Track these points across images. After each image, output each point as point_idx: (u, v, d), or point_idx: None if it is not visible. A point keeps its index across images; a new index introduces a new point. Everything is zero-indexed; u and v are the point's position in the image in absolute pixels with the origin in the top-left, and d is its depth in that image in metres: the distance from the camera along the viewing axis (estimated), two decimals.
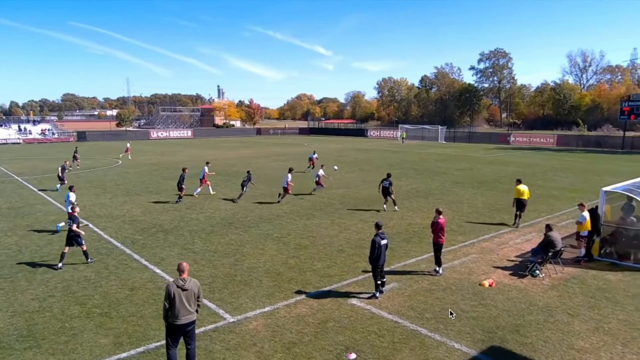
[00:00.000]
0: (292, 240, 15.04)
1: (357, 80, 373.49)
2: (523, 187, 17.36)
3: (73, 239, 12.45)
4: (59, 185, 24.28)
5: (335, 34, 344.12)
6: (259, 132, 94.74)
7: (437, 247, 11.89)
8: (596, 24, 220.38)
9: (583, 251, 13.30)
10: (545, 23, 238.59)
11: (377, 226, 10.48)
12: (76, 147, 39.65)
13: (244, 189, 21.76)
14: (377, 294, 10.42)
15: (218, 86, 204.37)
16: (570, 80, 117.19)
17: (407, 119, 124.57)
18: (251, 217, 18.32)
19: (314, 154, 35.22)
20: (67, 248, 12.50)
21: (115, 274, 11.97)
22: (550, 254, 11.98)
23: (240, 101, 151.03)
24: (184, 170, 21.81)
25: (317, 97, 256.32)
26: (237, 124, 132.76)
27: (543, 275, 11.83)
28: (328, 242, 14.75)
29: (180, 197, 21.21)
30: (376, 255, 10.19)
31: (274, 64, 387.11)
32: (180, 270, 7.39)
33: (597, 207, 13.68)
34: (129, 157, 42.57)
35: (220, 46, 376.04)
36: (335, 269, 12.25)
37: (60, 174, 24.46)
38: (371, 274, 10.62)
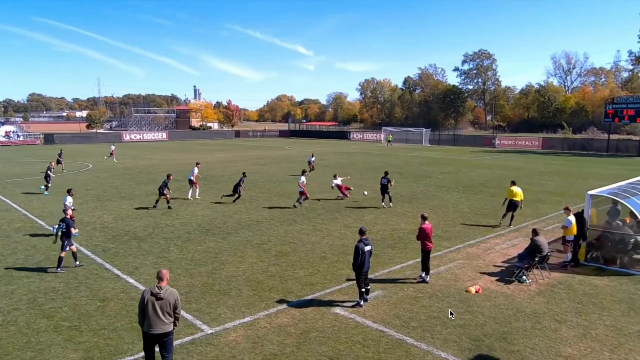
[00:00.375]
0: (273, 247, 14.97)
1: (339, 81, 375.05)
2: (517, 189, 17.93)
3: (63, 241, 12.70)
4: (43, 187, 25.15)
5: (317, 34, 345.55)
6: (237, 134, 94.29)
7: (425, 254, 11.96)
8: (580, 26, 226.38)
9: (569, 256, 13.54)
10: (529, 24, 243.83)
11: (361, 232, 10.49)
12: (61, 150, 38.92)
13: (239, 190, 22.06)
14: (362, 302, 10.42)
15: (194, 87, 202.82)
16: (555, 82, 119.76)
17: (391, 121, 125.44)
18: (230, 223, 18.18)
19: (313, 156, 35.68)
20: (63, 253, 12.71)
21: (85, 284, 11.72)
22: (536, 259, 12.16)
23: (217, 102, 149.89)
24: (168, 176, 21.60)
25: (298, 98, 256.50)
26: (215, 126, 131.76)
27: (530, 280, 12.00)
28: (310, 249, 14.72)
29: (167, 201, 21.15)
30: (360, 262, 10.20)
31: (253, 64, 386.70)
32: (158, 278, 7.28)
33: (583, 211, 13.95)
34: (115, 160, 42.34)
35: (197, 45, 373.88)
36: (318, 277, 12.22)
37: (48, 175, 25.49)
38: (355, 281, 10.62)
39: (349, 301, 10.65)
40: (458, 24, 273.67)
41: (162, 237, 16.11)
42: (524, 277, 12.02)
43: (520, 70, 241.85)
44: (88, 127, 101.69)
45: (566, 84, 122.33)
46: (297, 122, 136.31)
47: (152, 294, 7.09)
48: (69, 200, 16.98)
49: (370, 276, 11.29)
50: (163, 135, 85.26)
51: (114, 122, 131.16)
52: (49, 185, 25.36)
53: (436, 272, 12.58)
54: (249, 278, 12.12)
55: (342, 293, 11.17)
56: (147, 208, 20.91)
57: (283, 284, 11.71)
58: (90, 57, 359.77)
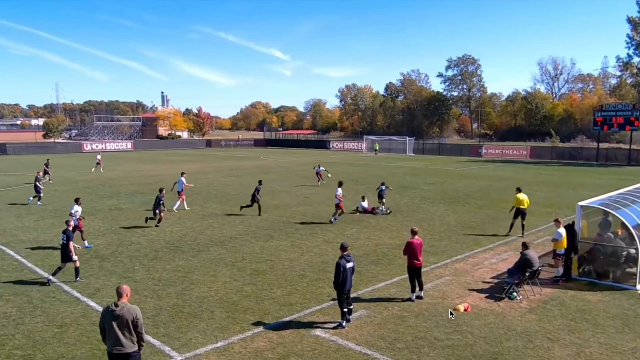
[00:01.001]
0: (248, 265, 14.84)
1: (318, 88, 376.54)
2: (523, 196, 18.73)
3: (62, 254, 13.17)
4: (32, 198, 26.08)
5: (293, 37, 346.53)
6: (209, 143, 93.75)
7: (412, 271, 11.99)
8: (566, 31, 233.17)
9: (561, 270, 13.76)
10: (514, 28, 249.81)
11: (342, 247, 10.49)
12: (47, 160, 38.72)
13: (256, 198, 22.61)
14: (344, 323, 10.38)
15: (162, 93, 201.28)
16: (542, 89, 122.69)
17: (373, 129, 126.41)
18: (201, 239, 17.98)
19: (320, 167, 35.22)
20: (63, 264, 13.14)
21: (41, 308, 11.40)
22: (527, 274, 12.31)
23: (187, 109, 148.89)
24: (160, 191, 20.64)
25: (274, 105, 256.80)
26: (184, 134, 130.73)
27: (520, 297, 12.14)
28: (288, 267, 14.65)
29: (159, 220, 20.02)
30: (342, 280, 10.17)
31: (225, 69, 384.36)
32: (118, 294, 7.22)
33: (573, 223, 14.21)
34: (101, 171, 42.40)
35: (165, 48, 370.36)
36: (297, 297, 12.15)
37: (37, 186, 26.22)
38: (336, 300, 10.58)
39: (331, 322, 10.59)
40: (441, 28, 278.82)
41: (127, 255, 15.82)
42: (515, 293, 12.15)
43: (506, 76, 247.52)
44: (45, 136, 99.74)
45: (553, 90, 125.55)
46: (273, 130, 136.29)
47: (109, 310, 7.08)
48: (75, 208, 17.23)
49: (352, 295, 11.27)
50: (128, 144, 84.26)
51: (73, 131, 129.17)
52: (41, 195, 26.02)
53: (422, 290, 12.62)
54: (222, 299, 11.96)
55: (322, 313, 11.11)
56: (139, 224, 20.53)
57: (259, 305, 11.59)
58: (47, 60, 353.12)
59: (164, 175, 40.12)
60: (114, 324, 7.00)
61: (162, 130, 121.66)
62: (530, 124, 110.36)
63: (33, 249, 16.68)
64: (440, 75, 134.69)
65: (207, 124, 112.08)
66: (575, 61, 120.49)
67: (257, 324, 10.54)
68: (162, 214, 20.14)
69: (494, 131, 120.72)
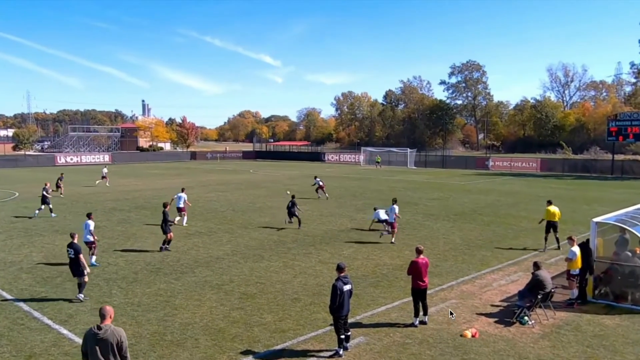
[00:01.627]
0: (236, 288, 14.76)
1: (311, 95, 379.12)
2: (554, 208, 19.52)
3: (72, 268, 13.72)
4: (39, 209, 27.53)
5: (285, 41, 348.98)
6: (193, 156, 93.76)
7: (417, 293, 11.96)
8: (577, 36, 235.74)
9: (575, 292, 13.74)
10: (522, 32, 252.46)
11: (339, 268, 10.44)
12: (61, 174, 39.18)
13: (295, 213, 23.84)
14: (341, 352, 10.30)
15: (143, 101, 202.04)
16: (552, 97, 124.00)
17: (371, 140, 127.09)
18: (184, 260, 17.88)
19: (318, 179, 35.55)
20: (86, 278, 13.75)
21: (7, 337, 11.26)
22: (539, 297, 12.29)
23: (170, 119, 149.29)
24: (165, 206, 20.02)
25: (264, 114, 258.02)
26: (167, 146, 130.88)
27: (532, 322, 12.10)
28: (280, 290, 14.57)
29: (168, 242, 19.46)
30: (338, 304, 10.11)
31: (211, 76, 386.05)
32: (100, 315, 7.28)
33: (588, 240, 14.23)
34: (107, 185, 43.31)
35: (146, 53, 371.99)
36: (290, 322, 12.07)
37: (45, 198, 27.67)
38: (333, 326, 10.50)
39: (327, 350, 10.51)
40: (444, 32, 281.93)
41: (103, 278, 15.69)
42: (526, 317, 12.11)
43: (514, 84, 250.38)
44: (15, 148, 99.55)
45: (564, 98, 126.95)
46: (264, 141, 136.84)
47: (91, 334, 7.07)
48: (92, 225, 17.52)
49: (350, 320, 11.19)
50: (105, 157, 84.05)
51: (46, 143, 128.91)
52: (51, 206, 27.73)
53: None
54: (208, 325, 11.87)
55: (318, 341, 11.03)
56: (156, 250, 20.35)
57: (248, 332, 11.50)
58: (17, 66, 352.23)
59: (144, 190, 40.01)
60: (97, 349, 6.97)
61: (143, 142, 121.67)
62: (540, 134, 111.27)
63: (0, 271, 16.50)
64: (443, 82, 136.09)
65: (191, 134, 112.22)
66: (587, 67, 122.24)
67: (246, 352, 10.44)
68: (170, 233, 19.54)
69: (502, 142, 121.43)
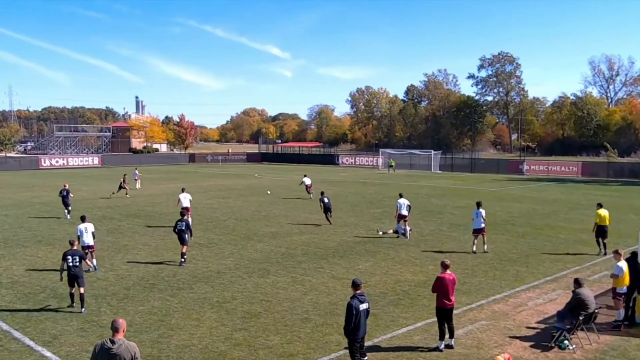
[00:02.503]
0: (239, 306, 14.77)
1: (324, 91, 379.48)
2: (605, 212, 20.56)
3: (77, 277, 14.29)
4: (67, 212, 29.99)
5: (294, 31, 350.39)
6: (192, 158, 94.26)
7: (441, 313, 11.91)
8: (623, 25, 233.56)
9: (622, 313, 13.59)
10: (560, 21, 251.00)
11: (355, 285, 10.39)
12: (124, 175, 41.95)
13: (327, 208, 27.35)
14: None
15: (136, 98, 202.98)
16: (595, 92, 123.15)
17: (390, 141, 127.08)
18: (181, 275, 17.93)
19: (306, 178, 39.69)
20: (73, 288, 14.33)
21: None
22: (581, 318, 12.16)
23: (167, 118, 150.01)
24: (183, 214, 20.57)
25: (271, 112, 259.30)
26: (163, 147, 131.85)
27: (574, 346, 11.98)
28: (288, 308, 14.56)
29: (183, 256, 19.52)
30: (354, 325, 10.06)
31: (212, 69, 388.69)
32: (113, 329, 7.44)
33: (636, 254, 14.08)
34: (138, 187, 45.73)
35: (141, 45, 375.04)
36: (299, 345, 12.06)
37: (65, 200, 30.39)
38: (347, 350, 10.46)
39: None
40: (472, 20, 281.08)
41: (91, 294, 15.75)
42: (566, 341, 11.99)
43: (551, 78, 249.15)
44: None
45: (608, 94, 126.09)
46: (270, 142, 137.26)
47: (104, 349, 7.18)
48: (91, 227, 18.85)
49: (367, 343, 11.14)
50: (94, 159, 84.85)
51: (29, 143, 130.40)
52: (70, 208, 30.18)
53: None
54: (207, 348, 11.89)
55: None
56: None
57: (252, 356, 11.50)
58: None
59: (137, 196, 40.25)
60: None
61: (136, 143, 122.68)
62: (581, 134, 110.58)
63: None
64: (471, 76, 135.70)
65: (190, 134, 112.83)
66: (634, 60, 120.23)
67: None
68: (184, 247, 19.64)
69: (538, 144, 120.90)
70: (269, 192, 41.11)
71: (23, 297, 15.56)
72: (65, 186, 31.33)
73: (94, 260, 18.56)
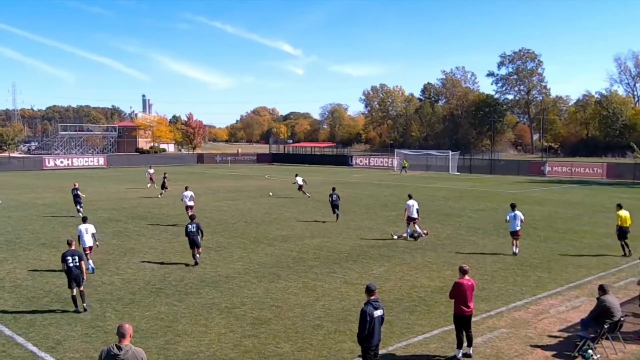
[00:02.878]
0: (249, 311, 14.79)
1: (337, 89, 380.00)
2: (625, 213, 21.12)
3: (79, 277, 14.66)
4: (79, 210, 31.37)
5: (306, 27, 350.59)
6: (200, 159, 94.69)
7: (460, 320, 11.85)
8: None
9: None
10: (584, 16, 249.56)
11: (369, 290, 10.36)
12: (165, 173, 43.55)
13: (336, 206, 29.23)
14: None
15: (143, 96, 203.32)
16: (620, 90, 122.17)
17: (406, 141, 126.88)
18: (189, 279, 17.99)
19: (299, 178, 41.33)
20: (74, 290, 14.69)
21: None
22: (606, 327, 12.07)
23: (174, 117, 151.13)
24: (192, 217, 21.17)
25: (283, 111, 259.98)
26: (170, 147, 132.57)
27: (598, 356, 11.88)
28: (299, 314, 14.56)
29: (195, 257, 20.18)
30: (368, 332, 10.04)
31: (221, 67, 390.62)
32: (119, 334, 7.53)
33: None
34: (155, 187, 46.17)
35: (147, 42, 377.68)
36: (310, 353, 12.05)
37: (77, 198, 31.97)
38: (360, 358, 10.44)
39: None
40: (492, 15, 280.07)
41: (96, 298, 15.85)
42: (590, 350, 11.89)
43: (575, 75, 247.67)
44: None
45: (635, 93, 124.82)
46: (281, 142, 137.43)
47: (110, 355, 7.25)
48: (92, 228, 19.41)
49: (381, 351, 11.11)
50: (100, 160, 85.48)
51: (33, 143, 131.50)
52: (81, 208, 31.50)
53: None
54: (215, 355, 11.91)
55: None
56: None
57: None
58: (1, 55, 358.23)
59: (143, 198, 40.45)
60: None
61: (143, 143, 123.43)
62: (606, 134, 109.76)
63: None
64: (491, 74, 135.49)
65: (198, 134, 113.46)
66: None
67: None
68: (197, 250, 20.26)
69: (560, 144, 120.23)
70: (270, 194, 41.97)
71: (26, 301, 15.66)
72: (75, 185, 32.84)
73: (90, 262, 18.77)
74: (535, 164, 70.20)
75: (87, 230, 19.03)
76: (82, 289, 14.79)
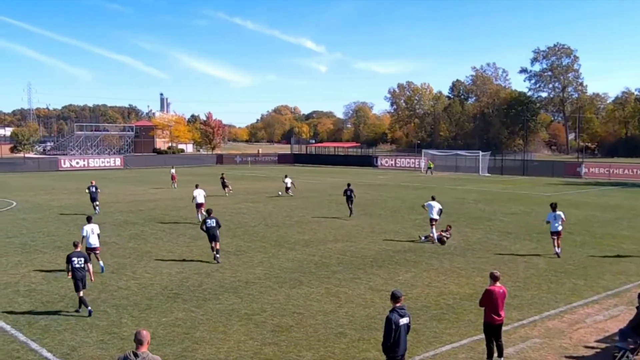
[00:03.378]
0: (269, 318, 14.82)
1: (361, 87, 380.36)
2: None
3: (84, 279, 15.11)
4: (95, 207, 33.64)
5: (330, 23, 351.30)
6: (220, 159, 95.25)
7: (490, 329, 11.77)
8: None
9: None
10: (622, 8, 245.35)
11: (394, 297, 10.32)
12: (222, 174, 46.66)
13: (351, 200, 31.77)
14: None
15: (161, 95, 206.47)
16: None
17: (434, 141, 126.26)
18: (208, 284, 18.08)
19: (288, 179, 43.92)
20: (80, 292, 15.08)
21: None
22: None
23: (193, 116, 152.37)
24: (209, 212, 22.04)
25: (305, 110, 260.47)
26: (189, 148, 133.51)
27: None
28: (322, 322, 14.55)
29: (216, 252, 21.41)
30: (393, 341, 10.00)
31: (242, 64, 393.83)
32: (137, 341, 7.58)
33: None
34: (175, 187, 49.77)
35: (166, 39, 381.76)
36: None
37: (93, 196, 33.86)
38: None
39: None
40: (525, 9, 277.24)
41: (112, 304, 16.01)
42: None
43: (613, 72, 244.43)
44: (12, 149, 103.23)
45: None
46: (304, 143, 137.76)
47: None
48: (97, 229, 19.99)
49: None
50: (116, 160, 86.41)
51: (48, 143, 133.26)
52: (97, 205, 33.79)
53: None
54: None
55: None
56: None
57: None
58: (17, 54, 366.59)
59: (161, 200, 40.82)
60: None
61: (161, 143, 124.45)
62: None
63: None
64: (524, 70, 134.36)
65: (218, 134, 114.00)
66: None
67: None
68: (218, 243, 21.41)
69: (598, 144, 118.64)
70: (280, 193, 43.64)
71: (41, 305, 15.86)
72: (92, 183, 34.87)
73: (100, 262, 19.39)
74: (571, 165, 69.40)
75: (93, 231, 19.58)
76: (81, 294, 15.08)
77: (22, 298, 16.61)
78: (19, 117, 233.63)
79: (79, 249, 15.62)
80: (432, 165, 72.40)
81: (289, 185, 43.46)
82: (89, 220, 20.19)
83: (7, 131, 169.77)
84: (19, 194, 45.05)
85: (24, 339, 13.34)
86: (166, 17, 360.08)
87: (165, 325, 14.25)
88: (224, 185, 43.89)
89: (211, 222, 21.03)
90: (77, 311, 15.08)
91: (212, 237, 20.97)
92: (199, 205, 30.36)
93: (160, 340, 13.19)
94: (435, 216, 24.93)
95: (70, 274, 15.07)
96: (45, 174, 70.66)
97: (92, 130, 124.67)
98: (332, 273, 19.55)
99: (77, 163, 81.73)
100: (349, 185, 33.13)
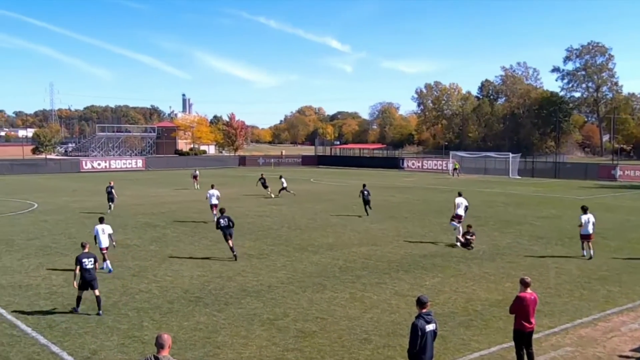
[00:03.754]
0: (292, 323, 14.84)
1: (387, 87, 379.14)
2: None
3: (95, 280, 15.50)
4: (110, 206, 35.19)
5: (355, 22, 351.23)
6: (242, 161, 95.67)
7: (520, 337, 11.66)
8: None
9: None
10: None
11: (421, 303, 10.28)
12: (262, 174, 47.46)
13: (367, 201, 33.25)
14: None
15: (183, 95, 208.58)
16: None
17: (462, 142, 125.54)
18: (229, 288, 18.16)
19: (283, 180, 44.75)
20: (83, 292, 15.44)
21: None
22: None
23: (215, 117, 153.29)
24: (222, 211, 23.54)
25: (329, 111, 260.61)
26: (211, 149, 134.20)
27: None
28: (346, 327, 14.54)
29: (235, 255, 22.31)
30: (419, 348, 9.96)
31: (265, 64, 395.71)
32: (158, 345, 7.70)
33: None
34: (197, 187, 50.98)
35: (188, 39, 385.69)
36: None
37: (111, 195, 35.48)
38: None
39: None
40: (557, 6, 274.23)
41: (133, 307, 16.16)
42: None
43: None
44: (34, 151, 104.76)
45: None
46: (328, 144, 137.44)
47: None
48: (109, 229, 20.60)
49: None
50: (138, 162, 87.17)
51: (70, 145, 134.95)
52: (112, 204, 35.44)
53: None
54: None
55: None
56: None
57: None
58: (39, 54, 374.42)
59: (183, 202, 41.11)
60: None
61: (183, 144, 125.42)
62: None
63: (14, 296, 17.31)
64: (556, 69, 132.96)
65: (240, 135, 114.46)
66: None
67: None
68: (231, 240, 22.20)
69: (633, 146, 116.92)
70: (272, 196, 44.08)
71: (62, 308, 16.04)
72: (110, 183, 36.64)
73: (107, 262, 19.95)
74: (605, 167, 68.48)
75: (104, 231, 20.19)
76: (97, 293, 15.47)
77: (43, 301, 16.82)
78: (41, 118, 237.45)
79: (87, 250, 15.97)
80: (457, 166, 72.01)
81: (284, 185, 44.28)
82: (101, 220, 20.69)
83: (29, 132, 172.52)
84: (41, 195, 45.68)
85: (44, 342, 13.51)
86: (188, 15, 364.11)
87: (187, 329, 14.34)
88: (265, 186, 44.64)
89: (224, 222, 22.05)
90: (98, 314, 15.23)
91: (227, 235, 22.01)
92: (212, 206, 31.59)
93: (182, 345, 13.27)
94: (461, 212, 25.31)
95: (77, 275, 15.40)
96: (66, 175, 71.57)
97: (113, 132, 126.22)
98: (357, 277, 19.53)
99: (99, 164, 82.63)
100: (364, 186, 34.63)
